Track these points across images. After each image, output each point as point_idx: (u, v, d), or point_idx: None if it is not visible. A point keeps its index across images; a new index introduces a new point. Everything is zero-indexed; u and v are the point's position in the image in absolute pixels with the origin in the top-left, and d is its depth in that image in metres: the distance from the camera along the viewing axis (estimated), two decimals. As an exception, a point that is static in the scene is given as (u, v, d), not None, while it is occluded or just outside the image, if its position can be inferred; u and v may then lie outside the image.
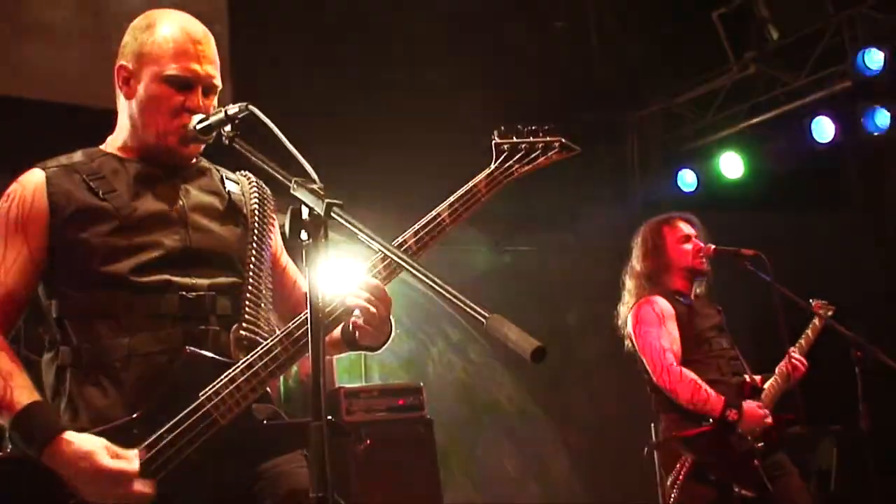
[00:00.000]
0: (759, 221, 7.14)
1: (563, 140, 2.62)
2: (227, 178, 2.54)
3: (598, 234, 7.67)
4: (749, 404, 4.23)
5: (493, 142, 2.58)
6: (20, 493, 2.17)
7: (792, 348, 4.46)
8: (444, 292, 1.83)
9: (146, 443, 2.16)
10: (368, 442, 5.74)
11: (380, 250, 2.01)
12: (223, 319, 2.34)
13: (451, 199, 2.50)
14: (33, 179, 2.35)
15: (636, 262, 4.65)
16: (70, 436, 2.13)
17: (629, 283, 4.67)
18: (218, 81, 2.45)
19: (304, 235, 1.93)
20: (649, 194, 8.05)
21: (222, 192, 2.50)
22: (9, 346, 2.26)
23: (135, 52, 2.43)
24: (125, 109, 2.46)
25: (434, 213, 2.47)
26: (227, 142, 2.30)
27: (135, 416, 2.19)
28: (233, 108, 2.30)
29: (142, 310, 2.27)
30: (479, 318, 1.78)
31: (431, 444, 6.01)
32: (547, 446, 7.51)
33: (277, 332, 2.28)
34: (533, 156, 2.59)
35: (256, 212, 2.48)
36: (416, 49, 6.69)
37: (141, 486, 2.13)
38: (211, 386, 2.20)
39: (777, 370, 4.45)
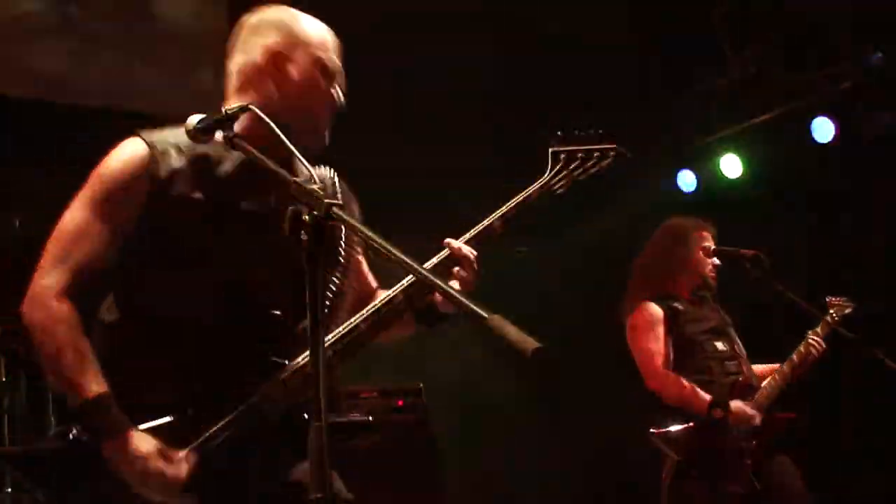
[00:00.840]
0: (759, 222, 7.14)
1: (618, 147, 2.64)
2: (329, 180, 2.55)
3: (598, 234, 7.68)
4: (737, 404, 4.32)
5: (551, 150, 2.59)
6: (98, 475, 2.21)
7: (811, 332, 4.51)
8: (445, 293, 1.83)
9: (199, 439, 2.23)
10: (368, 442, 5.73)
11: (380, 250, 2.01)
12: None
13: (504, 208, 2.57)
14: (136, 148, 2.34)
15: (647, 253, 4.77)
16: (136, 436, 2.20)
17: (634, 274, 4.79)
18: None
19: (303, 236, 1.93)
20: (648, 195, 8.04)
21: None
22: (81, 324, 2.28)
23: (289, 35, 2.45)
24: (266, 91, 2.44)
25: (487, 221, 2.55)
26: (227, 142, 2.30)
27: (189, 412, 2.26)
28: (233, 107, 2.30)
29: (220, 314, 2.31)
30: (480, 317, 1.78)
31: (430, 445, 6.01)
32: (547, 447, 7.51)
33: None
34: (589, 164, 2.63)
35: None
36: (412, 49, 6.69)
37: (183, 498, 2.21)
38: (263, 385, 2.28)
39: (779, 368, 4.49)
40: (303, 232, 1.91)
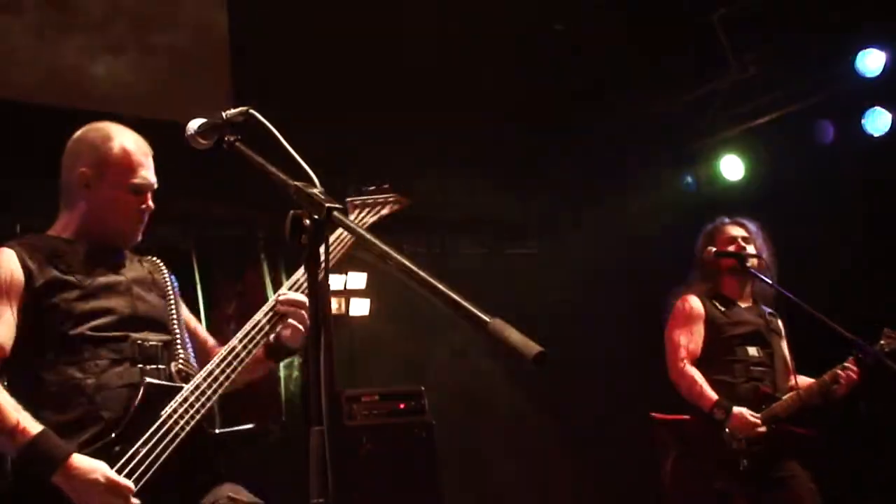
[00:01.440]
0: (760, 224, 7.13)
1: (397, 196, 3.14)
2: (143, 261, 3.01)
3: (600, 236, 7.67)
4: (739, 410, 4.39)
5: (347, 200, 3.07)
6: None
7: (850, 359, 4.51)
8: (446, 297, 1.82)
9: (125, 457, 2.55)
10: (369, 446, 5.73)
11: (381, 253, 2.01)
12: (164, 361, 2.83)
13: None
14: (8, 255, 2.72)
15: (698, 254, 4.86)
16: (77, 457, 2.50)
17: (694, 268, 4.88)
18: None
19: (304, 240, 1.93)
20: (650, 197, 8.04)
21: (146, 270, 2.98)
22: (2, 386, 2.62)
23: (96, 161, 2.83)
24: (79, 207, 2.85)
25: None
26: (226, 147, 2.30)
27: (113, 435, 2.59)
28: (232, 112, 2.30)
29: (108, 356, 2.71)
30: (481, 322, 1.78)
31: (432, 449, 6.00)
32: (548, 450, 7.50)
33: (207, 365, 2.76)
34: (378, 208, 3.10)
35: (170, 287, 2.98)
36: (414, 51, 6.69)
37: (135, 499, 2.52)
38: (170, 406, 2.64)
39: (807, 386, 4.51)
40: (303, 235, 1.92)
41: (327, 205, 1.95)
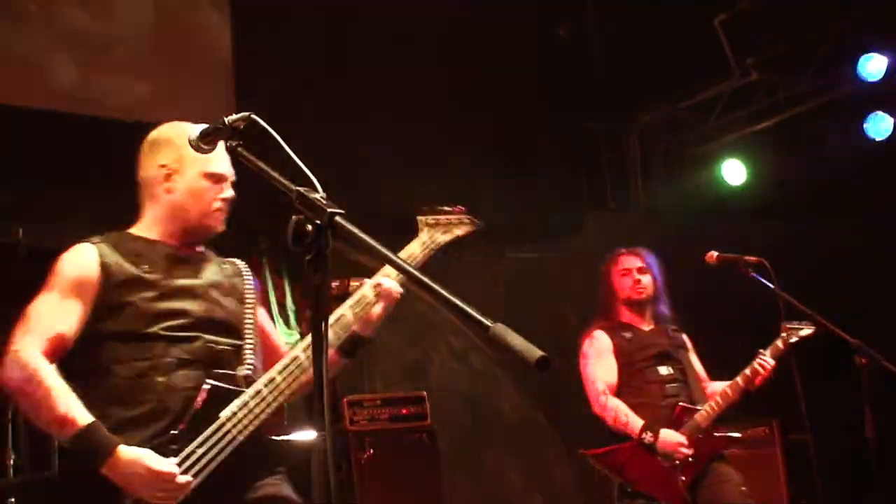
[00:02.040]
0: (762, 227, 7.14)
1: (472, 218, 3.14)
2: (225, 262, 3.05)
3: (601, 240, 7.66)
4: (665, 433, 4.57)
5: (419, 217, 3.06)
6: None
7: (762, 351, 4.68)
8: (448, 301, 1.82)
9: (182, 454, 2.61)
10: (372, 451, 5.73)
11: (384, 259, 2.01)
12: (232, 366, 2.85)
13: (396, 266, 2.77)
14: (87, 249, 2.80)
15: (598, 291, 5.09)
16: (124, 448, 2.56)
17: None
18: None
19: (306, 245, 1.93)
20: (651, 201, 8.04)
21: (226, 273, 3.02)
22: (58, 373, 2.66)
23: (174, 154, 2.89)
24: (162, 202, 2.91)
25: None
26: (229, 153, 2.30)
27: (173, 432, 2.65)
28: (234, 117, 2.30)
29: (178, 355, 2.76)
30: (483, 326, 1.78)
31: (435, 453, 6.00)
32: (550, 455, 7.49)
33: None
34: (452, 228, 3.10)
35: (247, 290, 3.01)
36: (417, 53, 6.70)
37: (183, 479, 2.58)
38: (229, 409, 2.68)
39: (722, 392, 4.67)
40: (305, 240, 1.92)
41: (329, 210, 1.95)
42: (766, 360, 4.63)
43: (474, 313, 1.79)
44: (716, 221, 7.23)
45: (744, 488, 4.58)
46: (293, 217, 1.94)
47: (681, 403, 4.68)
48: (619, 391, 4.77)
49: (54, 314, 2.71)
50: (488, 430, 7.38)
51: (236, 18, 6.40)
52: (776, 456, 6.29)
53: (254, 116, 2.33)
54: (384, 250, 1.98)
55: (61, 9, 5.91)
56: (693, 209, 7.72)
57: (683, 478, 4.56)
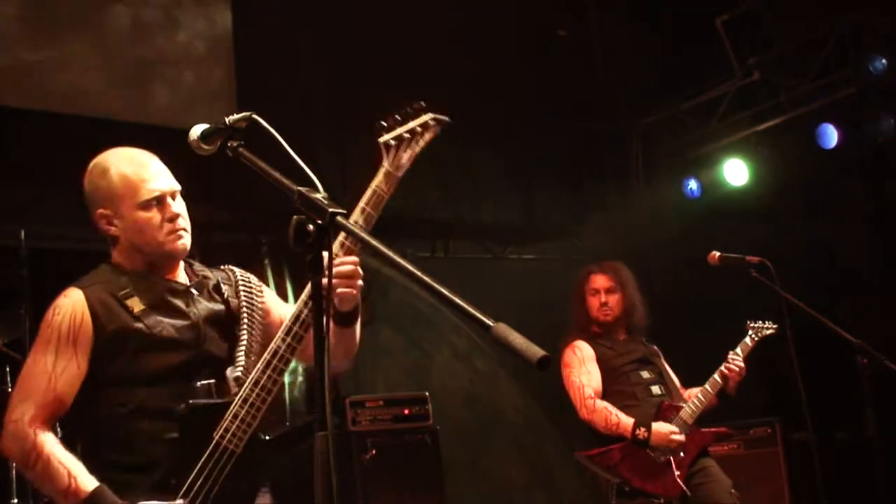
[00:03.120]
0: (764, 228, 7.13)
1: (434, 115, 2.71)
2: (222, 283, 2.89)
3: (603, 241, 7.66)
4: (657, 425, 4.67)
5: (381, 141, 2.65)
6: None
7: (732, 353, 4.84)
8: (449, 300, 1.82)
9: (183, 489, 2.56)
10: (374, 452, 5.73)
11: (385, 259, 2.01)
12: (220, 375, 2.76)
13: (361, 204, 2.58)
14: (77, 298, 2.70)
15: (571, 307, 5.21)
16: None
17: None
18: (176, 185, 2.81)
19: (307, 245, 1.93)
20: (654, 202, 8.04)
21: (221, 298, 2.86)
22: (58, 439, 2.63)
23: (104, 198, 2.77)
24: (121, 241, 2.79)
25: (351, 219, 2.51)
26: (230, 153, 2.30)
27: (168, 469, 2.60)
28: (235, 117, 2.30)
29: (163, 400, 2.67)
30: (485, 326, 1.78)
31: (437, 454, 5.99)
32: (552, 455, 7.49)
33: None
34: (416, 139, 2.70)
35: (245, 303, 2.85)
36: (419, 54, 6.70)
37: None
38: (220, 426, 2.61)
39: (701, 389, 4.81)
40: (306, 240, 1.92)
41: (331, 210, 1.94)
42: (736, 361, 4.77)
43: (476, 312, 1.79)
44: (717, 222, 7.22)
45: (733, 491, 4.70)
46: (294, 217, 1.94)
47: (666, 402, 4.81)
48: (605, 396, 4.86)
49: (50, 376, 2.64)
50: (490, 430, 7.38)
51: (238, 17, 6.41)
52: (778, 456, 6.30)
53: (255, 117, 2.33)
54: (384, 250, 1.98)
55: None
56: (695, 210, 7.72)
57: (678, 472, 4.64)
